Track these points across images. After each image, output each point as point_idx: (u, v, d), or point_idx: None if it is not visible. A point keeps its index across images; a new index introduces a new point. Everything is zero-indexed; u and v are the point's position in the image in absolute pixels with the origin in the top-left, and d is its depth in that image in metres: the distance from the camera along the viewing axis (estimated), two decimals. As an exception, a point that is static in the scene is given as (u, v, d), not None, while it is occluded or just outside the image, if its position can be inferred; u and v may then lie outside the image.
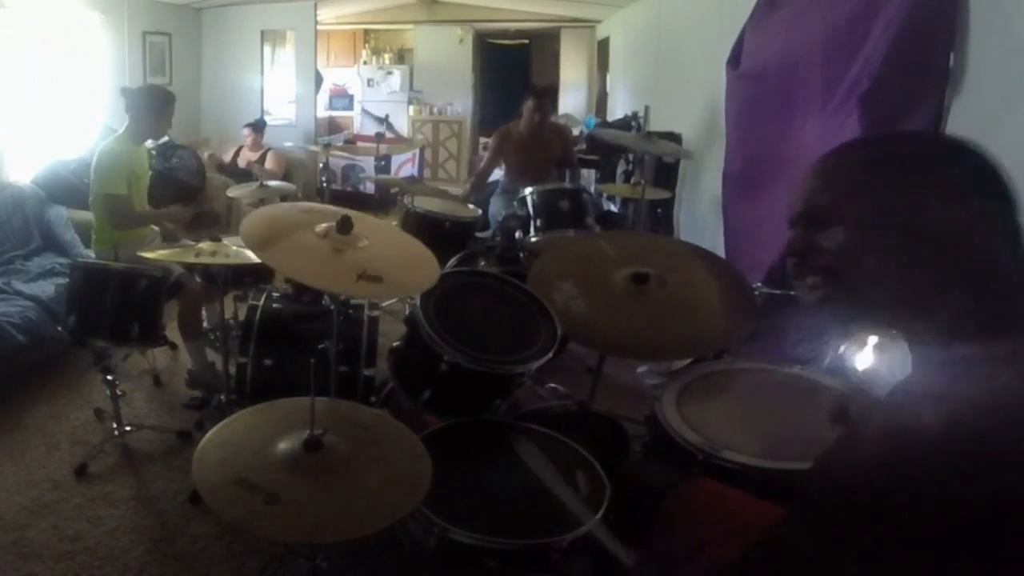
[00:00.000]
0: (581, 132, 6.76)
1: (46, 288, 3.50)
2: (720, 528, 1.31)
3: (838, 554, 0.76)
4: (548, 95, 4.43)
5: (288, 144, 4.86)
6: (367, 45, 10.41)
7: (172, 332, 3.20)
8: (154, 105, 3.18)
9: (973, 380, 0.75)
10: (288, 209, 2.11)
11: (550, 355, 2.01)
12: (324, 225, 1.83)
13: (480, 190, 4.65)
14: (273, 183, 4.00)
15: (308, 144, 6.48)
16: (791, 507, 0.98)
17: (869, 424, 0.83)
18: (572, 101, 9.69)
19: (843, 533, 0.75)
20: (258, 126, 6.20)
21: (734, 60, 3.45)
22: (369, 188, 7.33)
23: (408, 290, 2.01)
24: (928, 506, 0.69)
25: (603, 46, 8.61)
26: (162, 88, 3.50)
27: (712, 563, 1.23)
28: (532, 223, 3.45)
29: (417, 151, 8.13)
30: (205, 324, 3.30)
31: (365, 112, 7.47)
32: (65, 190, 4.45)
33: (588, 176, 6.13)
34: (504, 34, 10.64)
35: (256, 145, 6.13)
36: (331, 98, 10.03)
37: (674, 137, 4.53)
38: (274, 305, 2.57)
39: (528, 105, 4.27)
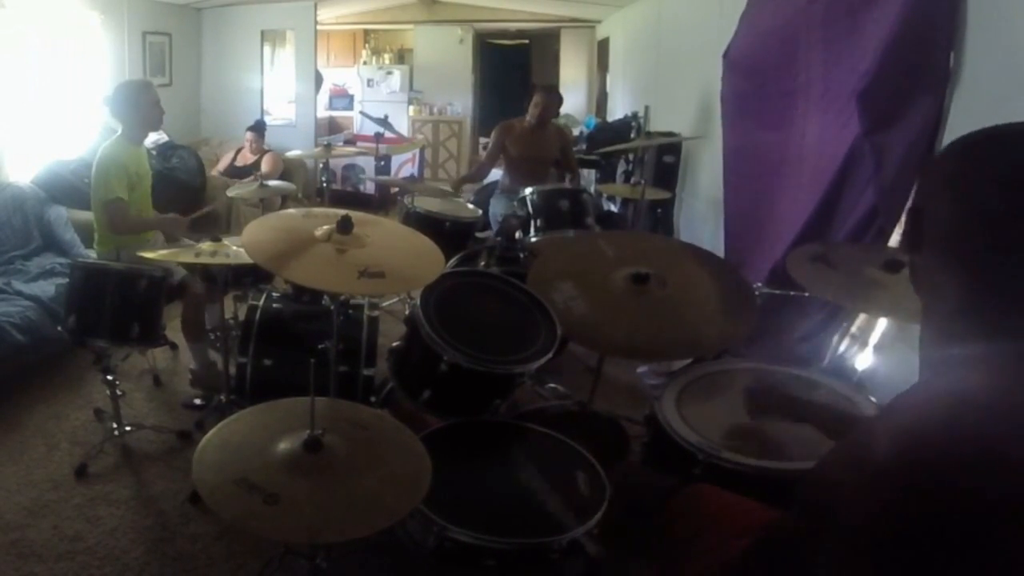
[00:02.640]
0: (581, 132, 6.76)
1: (46, 288, 3.50)
2: (722, 533, 1.31)
3: (853, 560, 0.74)
4: (557, 92, 4.46)
5: (295, 152, 4.87)
6: (367, 45, 10.41)
7: (172, 332, 3.20)
8: (130, 100, 3.13)
9: (988, 380, 0.74)
10: (288, 216, 2.12)
11: (550, 355, 2.01)
12: (325, 227, 1.83)
13: (475, 181, 4.67)
14: (273, 183, 4.00)
15: (308, 144, 6.48)
16: (793, 511, 0.97)
17: (881, 425, 0.81)
18: (572, 101, 9.67)
19: (860, 540, 0.73)
20: (259, 128, 6.19)
21: (728, 53, 3.46)
22: (369, 188, 7.33)
23: (412, 283, 2.02)
24: (948, 510, 0.67)
25: (603, 46, 8.61)
26: (132, 80, 3.45)
27: (713, 566, 1.23)
28: (532, 223, 3.45)
29: (417, 151, 8.14)
30: (206, 325, 3.30)
31: (364, 115, 7.49)
32: (65, 190, 4.45)
33: (588, 176, 6.14)
34: (504, 34, 10.63)
35: (257, 148, 6.12)
36: (331, 98, 10.04)
37: (674, 137, 4.53)
38: (274, 305, 2.57)
39: (536, 100, 4.27)
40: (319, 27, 7.07)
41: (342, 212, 1.86)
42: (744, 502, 1.41)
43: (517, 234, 3.44)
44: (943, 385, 0.78)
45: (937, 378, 0.81)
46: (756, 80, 3.24)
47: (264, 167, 5.90)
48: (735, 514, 1.36)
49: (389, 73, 9.96)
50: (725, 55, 3.46)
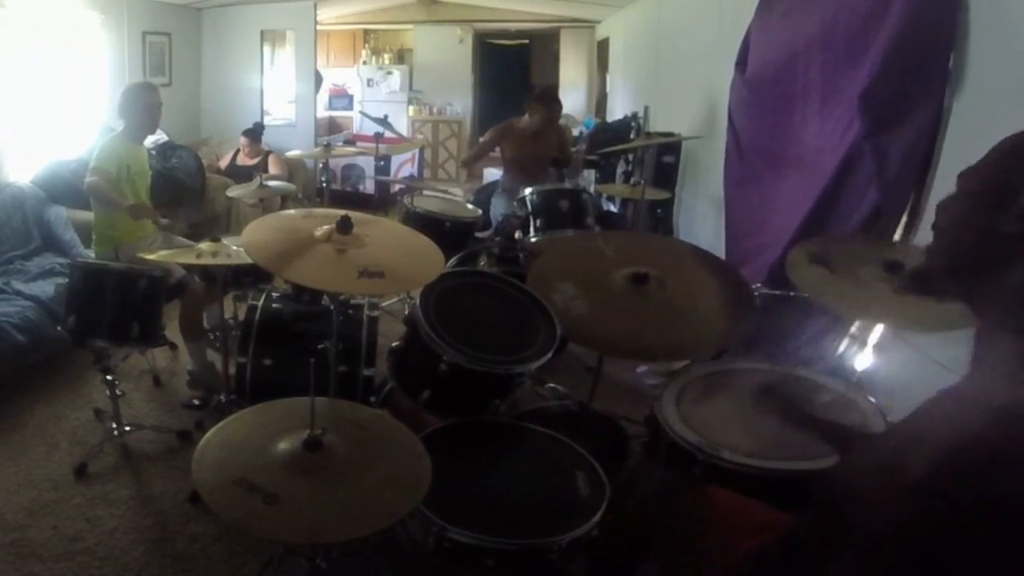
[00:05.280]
0: (580, 132, 6.77)
1: (46, 288, 3.50)
2: (728, 535, 1.31)
3: (874, 568, 0.74)
4: (558, 100, 4.53)
5: (295, 152, 4.89)
6: (367, 45, 10.41)
7: (172, 332, 3.20)
8: (128, 103, 3.28)
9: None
10: (288, 216, 2.12)
11: (550, 355, 2.01)
12: (325, 227, 1.83)
13: (473, 164, 4.84)
14: (272, 183, 4.01)
15: (307, 144, 6.48)
16: (811, 514, 0.95)
17: (917, 432, 0.78)
18: (572, 101, 9.68)
19: (885, 549, 0.72)
20: (254, 133, 6.15)
21: (741, 63, 3.46)
22: (369, 188, 7.33)
23: (412, 283, 2.02)
24: (981, 521, 0.67)
25: (603, 46, 8.62)
26: (135, 83, 3.59)
27: (720, 567, 1.23)
28: (532, 223, 3.45)
29: (417, 151, 8.14)
30: (205, 325, 3.30)
31: (364, 115, 7.50)
32: (65, 190, 4.45)
33: (588, 176, 6.14)
34: (504, 34, 10.64)
35: (254, 151, 6.10)
36: (331, 98, 10.04)
37: (673, 137, 4.54)
38: (274, 305, 2.57)
39: (541, 109, 4.30)
40: (319, 27, 7.07)
41: (342, 212, 1.86)
42: (750, 504, 1.40)
43: (517, 234, 3.45)
44: (998, 392, 0.76)
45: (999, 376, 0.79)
46: (760, 85, 3.24)
47: (272, 168, 5.90)
48: (741, 516, 1.36)
49: (389, 73, 9.96)
50: (737, 66, 3.46)
